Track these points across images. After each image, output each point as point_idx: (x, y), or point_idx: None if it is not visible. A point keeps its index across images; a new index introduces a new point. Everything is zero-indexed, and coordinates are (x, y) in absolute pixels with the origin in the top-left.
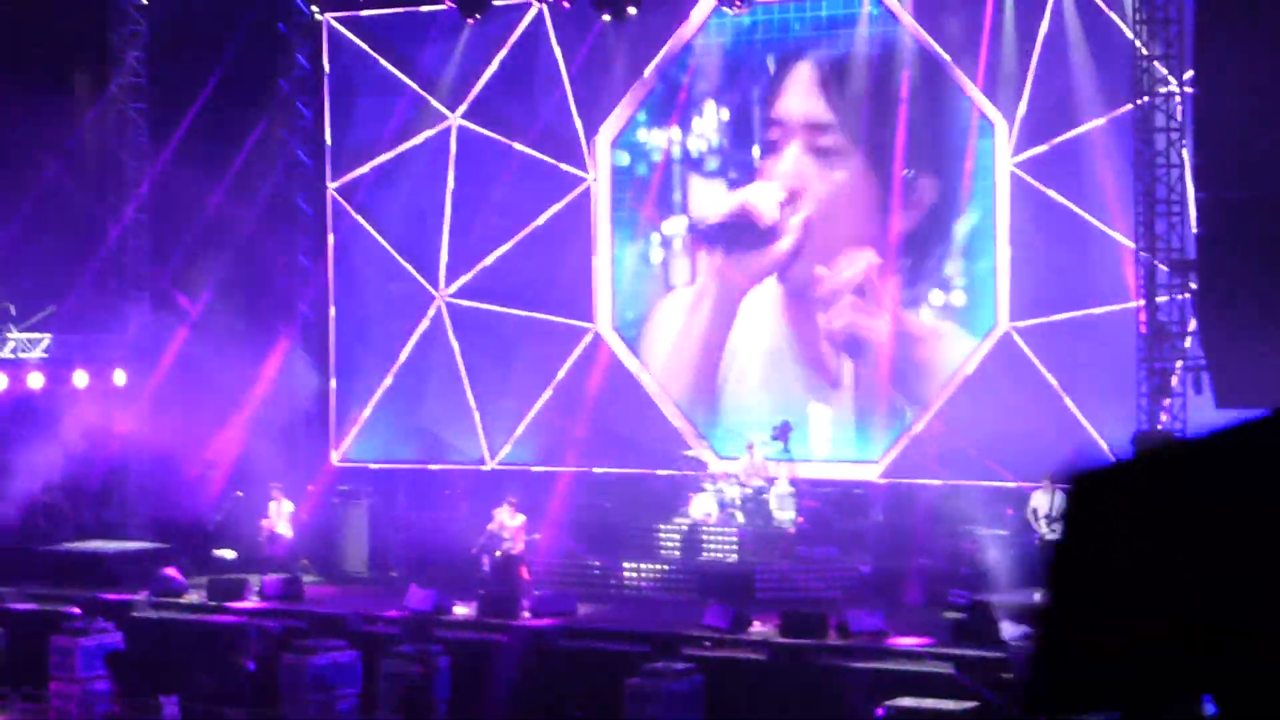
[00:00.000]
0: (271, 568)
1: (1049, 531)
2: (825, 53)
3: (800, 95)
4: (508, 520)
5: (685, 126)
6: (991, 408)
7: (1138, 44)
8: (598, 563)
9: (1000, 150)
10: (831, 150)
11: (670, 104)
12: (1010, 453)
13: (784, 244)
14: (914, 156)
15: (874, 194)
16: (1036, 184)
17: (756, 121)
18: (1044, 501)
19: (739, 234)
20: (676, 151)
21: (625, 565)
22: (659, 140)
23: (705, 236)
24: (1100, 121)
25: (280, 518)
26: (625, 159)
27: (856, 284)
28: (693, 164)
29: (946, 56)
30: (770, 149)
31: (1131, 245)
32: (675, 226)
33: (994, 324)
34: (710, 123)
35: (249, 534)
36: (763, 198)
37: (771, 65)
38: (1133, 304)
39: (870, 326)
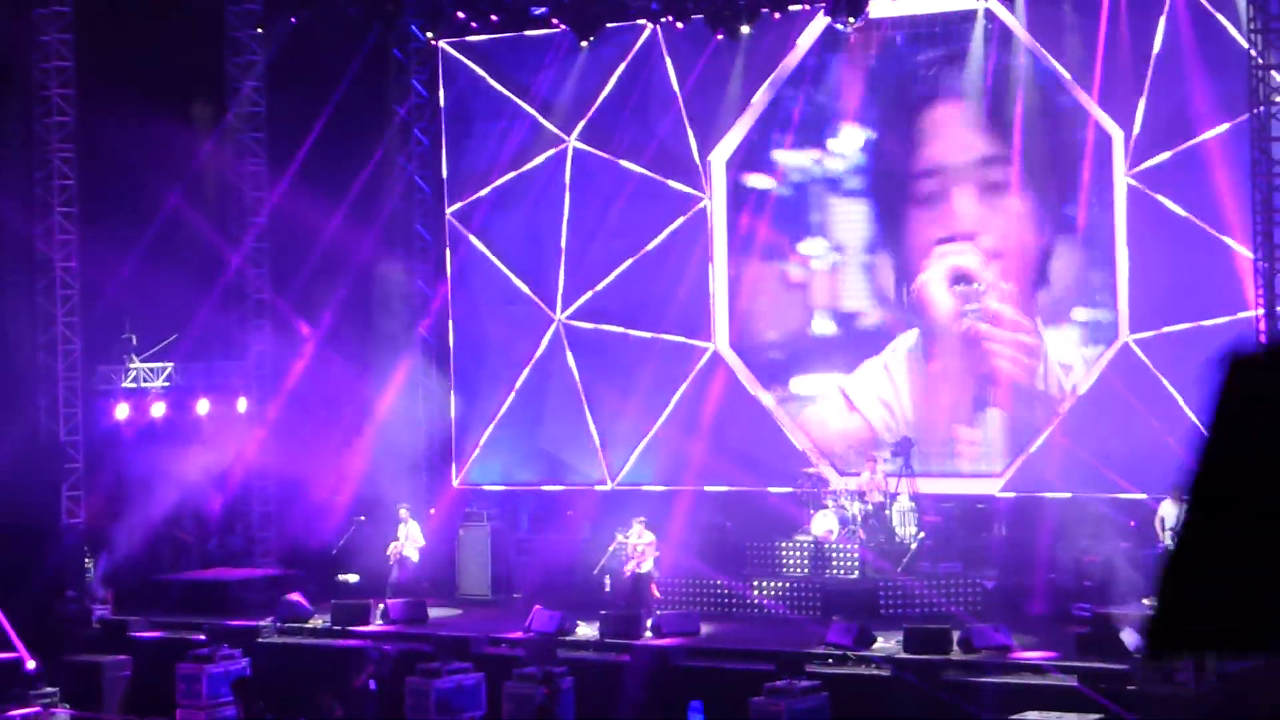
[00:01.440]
0: (395, 591)
1: (1172, 543)
2: (952, 82)
3: (951, 136)
4: (636, 538)
5: (821, 146)
6: (1112, 420)
7: (1253, 53)
8: (720, 581)
9: (1117, 162)
10: (1001, 184)
11: (790, 123)
12: (1132, 465)
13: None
14: (1030, 172)
15: (1036, 229)
16: (1154, 194)
17: (906, 170)
18: (1171, 512)
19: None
20: (816, 171)
21: (748, 583)
22: (795, 160)
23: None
24: (1217, 131)
25: (408, 541)
26: (757, 180)
27: (989, 307)
28: (831, 184)
29: (1065, 73)
30: (932, 199)
31: (1250, 254)
32: (814, 248)
33: (1114, 336)
34: (853, 142)
35: (372, 558)
36: (968, 258)
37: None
38: (1251, 313)
39: (995, 340)
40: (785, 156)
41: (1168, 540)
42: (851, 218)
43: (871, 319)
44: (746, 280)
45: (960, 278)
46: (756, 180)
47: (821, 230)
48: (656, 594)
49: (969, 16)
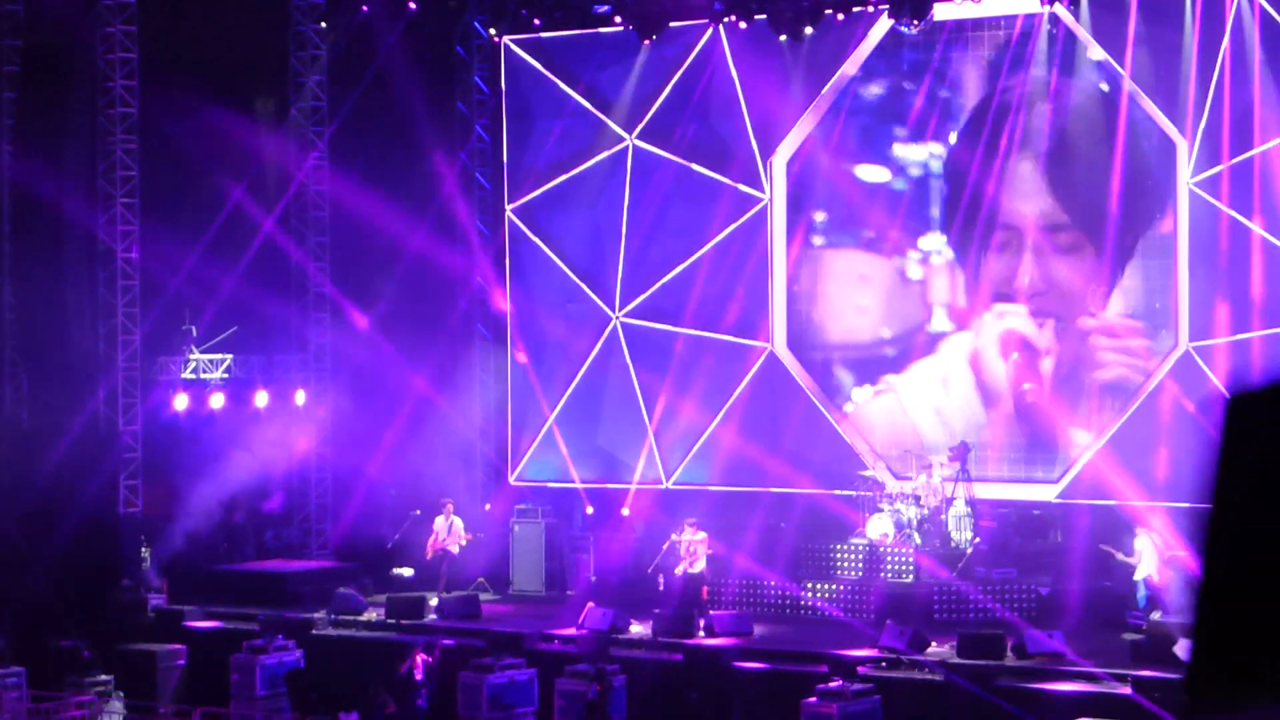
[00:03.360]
0: (449, 586)
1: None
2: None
3: (1025, 192)
4: (689, 538)
5: (943, 140)
6: (1171, 427)
7: None
8: (774, 583)
9: (1181, 169)
10: (1070, 246)
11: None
12: (1190, 474)
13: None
14: (1098, 181)
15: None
16: (1217, 203)
17: (978, 222)
18: (1147, 546)
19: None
20: (937, 166)
21: (802, 585)
22: (917, 155)
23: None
24: None
25: (448, 534)
26: (884, 174)
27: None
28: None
29: (1129, 81)
30: (1000, 249)
31: None
32: (933, 242)
33: (1174, 344)
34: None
35: (423, 551)
36: (1026, 324)
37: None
38: None
39: (1053, 347)
40: (928, 150)
41: (1141, 572)
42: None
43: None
44: (882, 278)
45: (1015, 347)
46: (898, 177)
47: (936, 225)
48: (706, 595)
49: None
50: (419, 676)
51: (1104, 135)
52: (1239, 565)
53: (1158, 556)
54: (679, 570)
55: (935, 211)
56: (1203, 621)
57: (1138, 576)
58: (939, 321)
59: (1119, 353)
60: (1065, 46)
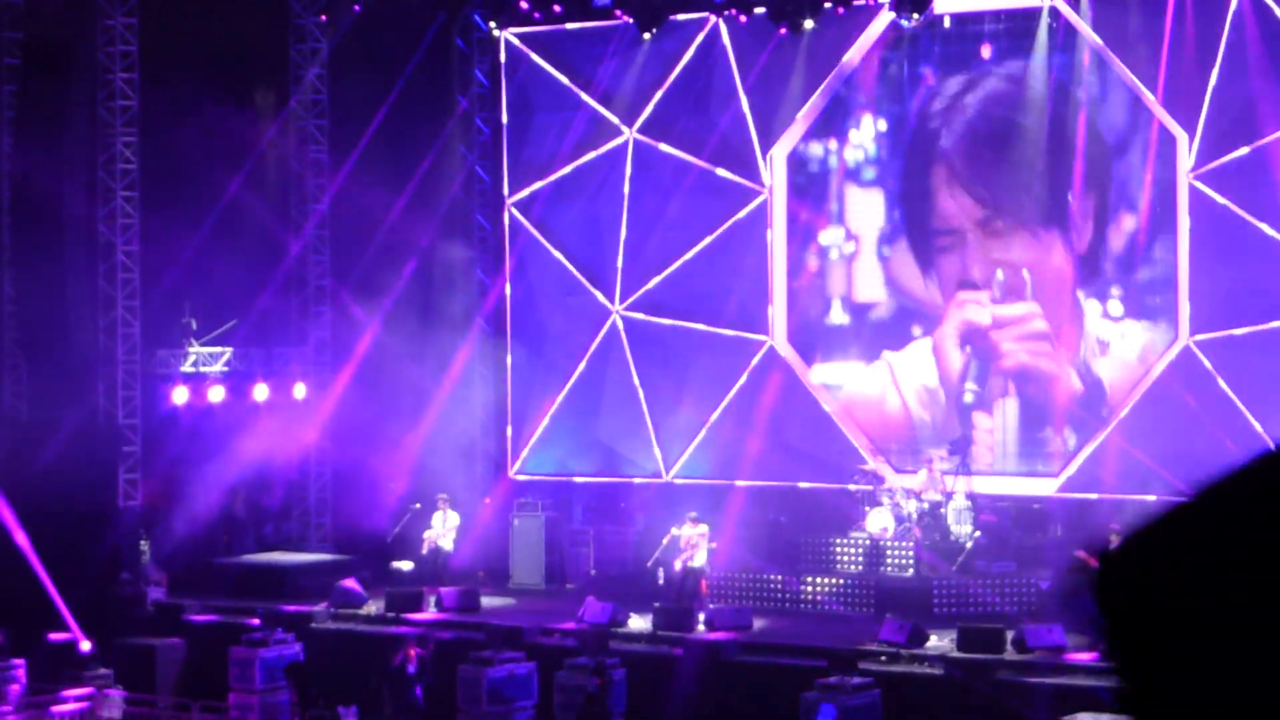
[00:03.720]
0: (449, 580)
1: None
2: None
3: (950, 196)
4: (689, 532)
5: (842, 138)
6: (1171, 422)
7: None
8: (774, 577)
9: (1181, 163)
10: (1007, 229)
11: (836, 116)
12: (1190, 467)
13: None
14: (1093, 172)
15: (1053, 220)
16: (1217, 196)
17: (927, 216)
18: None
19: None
20: (833, 162)
21: (801, 579)
22: (817, 151)
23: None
24: None
25: (444, 529)
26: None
27: (1038, 313)
28: (850, 174)
29: (1129, 73)
30: (947, 248)
31: None
32: (832, 237)
33: (1174, 337)
34: (868, 134)
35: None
36: (978, 312)
37: (944, 138)
38: None
39: (1050, 349)
40: (825, 147)
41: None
42: (872, 207)
43: (884, 311)
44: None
45: (970, 336)
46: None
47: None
48: (705, 589)
49: (1033, 15)
50: (411, 669)
51: (1100, 128)
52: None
53: None
54: (678, 564)
55: (834, 206)
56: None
57: None
58: (836, 314)
59: (1018, 341)
60: (1065, 39)
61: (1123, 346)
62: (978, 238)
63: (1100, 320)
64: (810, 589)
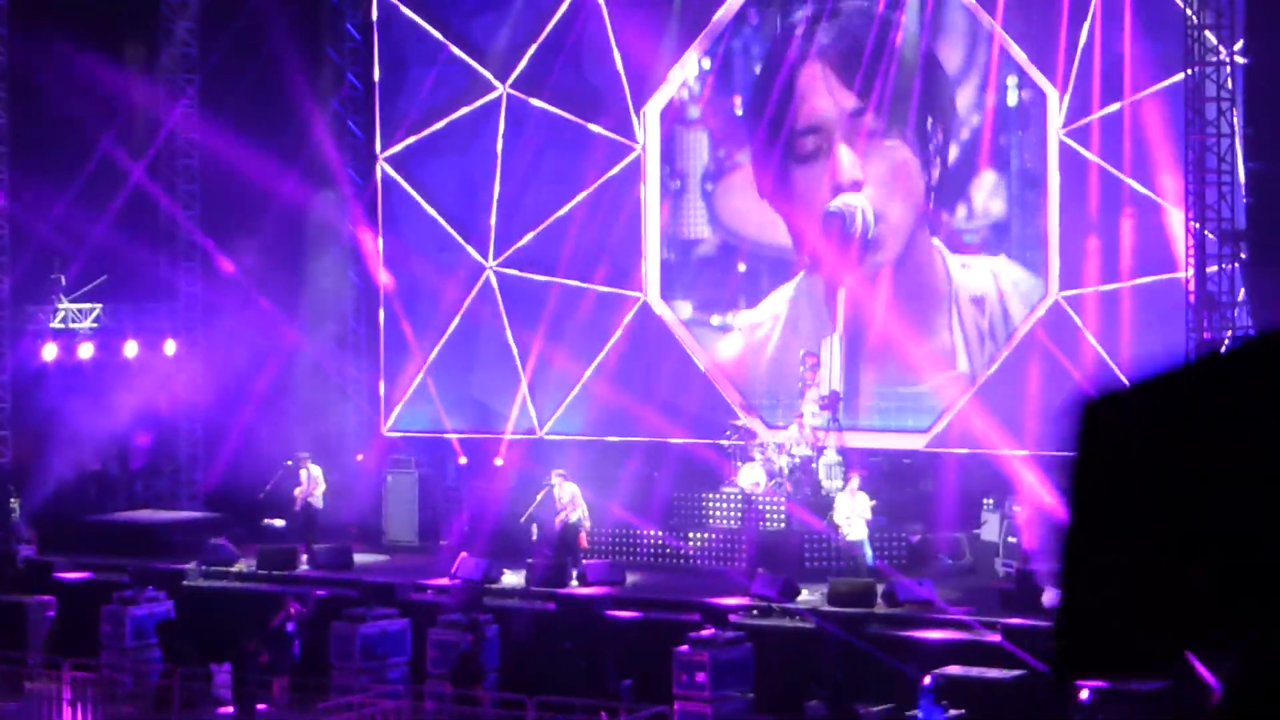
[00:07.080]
0: (320, 536)
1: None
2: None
3: (824, 91)
4: (558, 490)
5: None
6: (1040, 377)
7: (1189, 13)
8: (647, 532)
9: (1051, 119)
10: (876, 131)
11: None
12: (1058, 422)
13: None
14: (960, 123)
15: (920, 170)
16: (1087, 153)
17: (786, 129)
18: (847, 505)
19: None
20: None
21: (675, 534)
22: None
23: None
24: (1151, 90)
25: (313, 485)
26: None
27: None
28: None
29: (998, 27)
30: (812, 156)
31: (1181, 214)
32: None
33: (1043, 293)
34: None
35: (293, 503)
36: (853, 214)
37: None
38: (1182, 274)
39: (914, 300)
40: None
41: (847, 531)
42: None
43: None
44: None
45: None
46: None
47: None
48: (585, 544)
49: None
50: (290, 627)
51: (972, 82)
52: (1100, 573)
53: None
54: (558, 521)
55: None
56: (1064, 608)
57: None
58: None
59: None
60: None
61: (990, 301)
62: (846, 136)
63: (968, 274)
64: (683, 543)
